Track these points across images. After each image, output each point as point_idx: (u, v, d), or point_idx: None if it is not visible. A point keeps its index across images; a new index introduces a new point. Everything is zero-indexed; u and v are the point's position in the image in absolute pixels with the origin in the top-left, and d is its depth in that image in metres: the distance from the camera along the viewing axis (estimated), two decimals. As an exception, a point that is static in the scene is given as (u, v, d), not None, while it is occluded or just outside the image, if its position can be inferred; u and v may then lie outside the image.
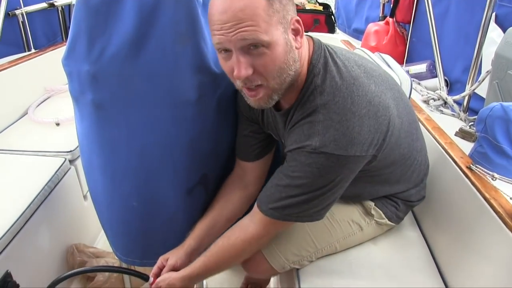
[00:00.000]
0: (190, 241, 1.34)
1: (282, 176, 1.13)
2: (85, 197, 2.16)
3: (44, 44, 3.01)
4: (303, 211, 1.14)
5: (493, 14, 1.76)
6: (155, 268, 1.35)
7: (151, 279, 1.40)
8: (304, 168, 1.08)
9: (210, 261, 1.25)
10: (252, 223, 1.21)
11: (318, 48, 1.11)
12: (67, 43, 1.23)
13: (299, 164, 1.09)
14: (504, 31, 1.70)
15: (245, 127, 1.36)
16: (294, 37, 1.04)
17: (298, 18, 1.04)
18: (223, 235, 1.26)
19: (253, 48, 0.99)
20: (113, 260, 1.92)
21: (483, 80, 1.71)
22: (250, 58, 1.00)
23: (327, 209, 1.18)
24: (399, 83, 1.58)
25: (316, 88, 1.08)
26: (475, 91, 1.81)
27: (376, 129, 1.07)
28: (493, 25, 1.82)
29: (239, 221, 1.27)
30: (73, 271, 1.54)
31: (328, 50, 1.12)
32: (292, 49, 1.04)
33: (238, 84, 1.07)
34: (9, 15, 2.65)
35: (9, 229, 1.52)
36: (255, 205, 1.21)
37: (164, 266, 1.33)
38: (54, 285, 1.41)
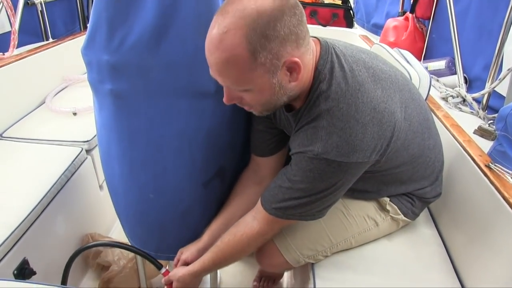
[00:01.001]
0: (205, 238, 1.38)
1: (285, 178, 1.15)
2: (101, 187, 2.17)
3: (62, 33, 3.03)
4: (306, 211, 1.16)
5: (516, 12, 1.73)
6: (175, 260, 1.40)
7: (164, 269, 1.42)
8: (305, 173, 1.09)
9: (218, 256, 1.29)
10: (256, 221, 1.23)
11: (325, 53, 1.09)
12: (87, 32, 1.23)
13: (300, 169, 1.10)
14: (527, 29, 1.67)
15: (259, 122, 1.36)
16: (289, 74, 1.02)
17: (295, 59, 0.98)
18: (229, 232, 1.28)
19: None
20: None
21: (504, 78, 1.69)
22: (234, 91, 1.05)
23: (329, 208, 1.20)
24: (418, 80, 1.56)
25: (321, 94, 1.07)
26: (495, 89, 1.78)
27: (379, 136, 1.06)
28: (516, 23, 1.79)
29: (244, 217, 1.28)
30: (93, 243, 1.57)
31: (336, 54, 1.10)
32: (282, 87, 1.03)
33: None
34: (28, 4, 2.66)
35: (26, 217, 1.54)
36: (259, 202, 1.23)
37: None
38: (75, 256, 1.44)
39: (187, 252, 1.38)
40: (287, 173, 1.15)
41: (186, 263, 1.36)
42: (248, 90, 1.02)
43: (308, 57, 1.04)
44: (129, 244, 1.55)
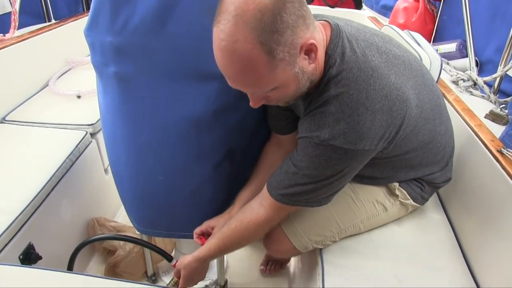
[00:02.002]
0: (235, 211, 1.37)
1: (291, 164, 1.13)
2: (106, 170, 2.16)
3: (65, 14, 2.98)
4: (312, 197, 1.15)
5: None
6: (199, 230, 1.41)
7: (174, 261, 1.41)
8: (311, 159, 1.07)
9: (224, 243, 1.28)
10: (262, 207, 1.22)
11: (336, 37, 1.05)
12: (89, 13, 1.21)
13: (306, 155, 1.08)
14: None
15: (274, 106, 1.33)
16: (307, 57, 0.98)
17: (310, 41, 0.95)
18: (236, 218, 1.27)
19: None
20: (134, 235, 1.92)
21: (517, 61, 1.65)
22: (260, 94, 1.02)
23: (336, 194, 1.19)
24: (428, 63, 1.53)
25: (331, 79, 1.04)
26: (507, 72, 1.74)
27: (388, 124, 1.04)
28: (532, 4, 1.74)
29: (250, 203, 1.27)
30: (99, 236, 1.56)
31: (348, 38, 1.06)
32: (304, 72, 0.99)
33: None
34: (30, -15, 2.63)
35: (31, 202, 1.53)
36: (265, 188, 1.21)
37: (207, 231, 1.40)
38: (80, 248, 1.43)
39: (215, 221, 1.39)
40: (293, 158, 1.13)
41: (210, 232, 1.38)
42: (274, 89, 0.98)
43: (318, 35, 1.01)
44: (135, 228, 1.54)
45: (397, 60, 1.09)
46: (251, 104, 1.04)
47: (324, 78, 1.05)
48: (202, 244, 1.36)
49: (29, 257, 1.51)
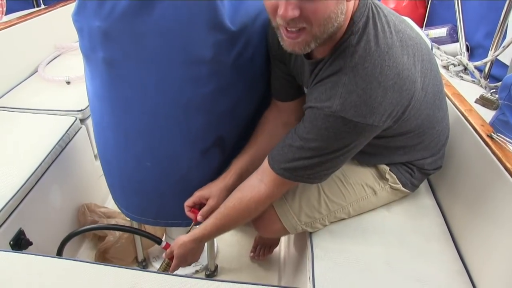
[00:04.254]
0: (231, 178, 1.34)
1: (296, 137, 1.12)
2: (96, 156, 2.15)
3: (53, -1, 2.95)
4: (315, 172, 1.15)
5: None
6: (190, 202, 1.36)
7: (164, 243, 1.41)
8: (320, 131, 1.06)
9: (222, 222, 1.27)
10: (263, 184, 1.21)
11: (363, 5, 1.05)
12: (78, -3, 1.19)
13: (315, 127, 1.07)
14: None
15: (275, 66, 1.33)
16: None
17: None
18: (234, 196, 1.26)
19: None
20: (124, 221, 1.92)
21: (508, 46, 1.65)
22: (300, 0, 0.93)
23: (336, 170, 1.19)
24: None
25: (349, 47, 1.03)
26: (497, 57, 1.74)
27: (397, 102, 1.05)
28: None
29: (248, 180, 1.26)
30: (91, 226, 1.56)
31: (373, 10, 1.06)
32: (341, 1, 0.96)
33: (278, 22, 0.99)
34: (18, -31, 2.59)
35: (21, 187, 1.53)
36: (265, 163, 1.20)
37: (200, 202, 1.36)
38: (67, 240, 1.42)
39: (215, 197, 1.33)
40: (298, 131, 1.12)
41: (202, 203, 1.35)
42: None
43: (350, 2, 1.00)
44: (124, 214, 1.54)
45: (411, 41, 1.09)
46: (281, 12, 0.94)
47: (343, 43, 1.04)
48: (195, 218, 1.35)
49: (20, 243, 1.51)
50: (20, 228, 1.52)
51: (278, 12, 0.95)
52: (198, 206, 1.37)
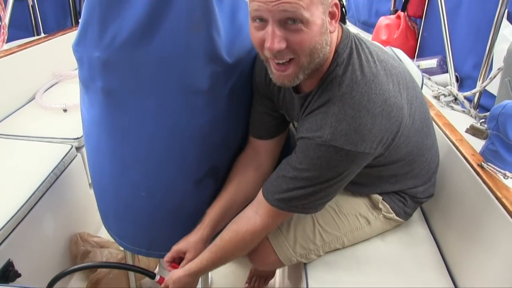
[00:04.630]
0: (205, 229, 1.33)
1: (289, 168, 1.13)
2: (90, 185, 2.13)
3: (53, 28, 3.00)
4: (309, 202, 1.15)
5: (506, 11, 1.74)
6: (169, 257, 1.35)
7: (158, 277, 1.39)
8: (312, 161, 1.08)
9: (218, 255, 1.26)
10: (258, 215, 1.21)
11: (346, 37, 1.10)
12: (78, 28, 1.22)
13: (307, 157, 1.08)
14: (516, 28, 1.68)
15: (259, 103, 1.34)
16: (330, 20, 1.02)
17: (337, 2, 1.01)
18: (230, 229, 1.25)
19: (291, 22, 0.96)
20: (117, 251, 1.91)
21: (494, 77, 1.69)
22: (286, 32, 0.97)
23: (330, 200, 1.19)
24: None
25: (336, 78, 1.06)
26: (486, 88, 1.78)
27: (387, 129, 1.06)
28: (505, 22, 1.79)
29: (243, 212, 1.26)
30: (76, 267, 1.50)
31: (355, 41, 1.10)
32: (326, 31, 1.01)
33: (266, 54, 1.03)
34: (20, -1, 2.64)
35: (12, 217, 1.51)
36: (260, 195, 1.21)
37: (178, 256, 1.34)
38: (55, 281, 1.39)
39: (192, 250, 1.31)
40: (291, 162, 1.13)
41: (181, 257, 1.33)
42: (304, 22, 0.96)
43: (334, 35, 1.06)
44: (117, 242, 1.53)
45: (393, 70, 1.12)
46: (268, 45, 0.98)
47: (330, 74, 1.08)
48: None
49: (7, 275, 1.47)
50: (9, 259, 1.49)
51: (265, 45, 0.99)
52: (178, 260, 1.35)
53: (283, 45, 0.98)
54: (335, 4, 1.01)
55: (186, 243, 1.33)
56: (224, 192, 1.39)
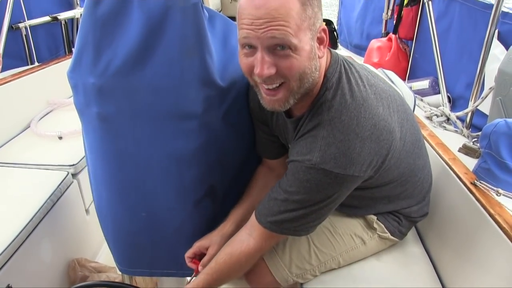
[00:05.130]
0: (230, 226, 1.35)
1: (280, 190, 1.15)
2: (87, 211, 2.15)
3: (47, 57, 3.02)
4: (301, 225, 1.16)
5: (496, 31, 1.77)
6: (190, 253, 1.36)
7: None
8: (302, 184, 1.09)
9: (213, 278, 1.26)
10: (252, 238, 1.22)
11: (335, 62, 1.12)
12: (73, 55, 1.23)
13: (297, 179, 1.10)
14: (507, 48, 1.72)
15: (259, 129, 1.38)
16: (318, 45, 1.04)
17: (325, 27, 1.04)
18: (224, 252, 1.26)
19: (280, 48, 0.98)
20: (115, 275, 1.90)
21: (486, 97, 1.72)
22: (275, 58, 0.99)
23: (321, 222, 1.20)
24: (403, 99, 1.58)
25: (325, 102, 1.08)
26: (478, 107, 1.81)
27: (376, 152, 1.08)
28: (496, 42, 1.83)
29: (237, 234, 1.27)
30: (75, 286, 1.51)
31: (344, 66, 1.12)
32: (315, 56, 1.04)
33: (256, 80, 1.05)
34: (13, 28, 2.66)
35: (11, 243, 1.52)
36: (252, 217, 1.22)
37: (200, 252, 1.35)
38: None
39: (215, 245, 1.33)
40: (282, 184, 1.15)
41: (203, 253, 1.34)
42: (292, 48, 0.98)
43: (323, 60, 1.09)
44: (118, 268, 1.53)
45: (384, 93, 1.14)
46: (258, 71, 1.00)
47: (320, 99, 1.09)
48: (197, 268, 1.33)
49: (7, 300, 1.48)
50: (9, 285, 1.48)
51: (254, 71, 1.01)
52: (199, 256, 1.37)
53: (272, 70, 1.00)
54: (323, 30, 1.04)
55: (209, 239, 1.35)
56: (247, 196, 1.42)
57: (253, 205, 1.34)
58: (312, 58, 1.02)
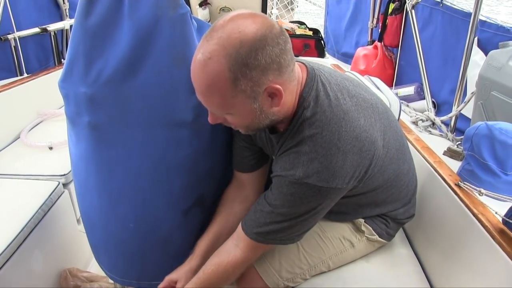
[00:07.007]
0: (196, 260, 1.35)
1: (266, 203, 1.17)
2: (78, 220, 2.15)
3: (36, 68, 3.04)
4: (286, 235, 1.19)
5: (476, 39, 1.82)
6: (161, 287, 1.35)
7: None
8: (286, 197, 1.12)
9: None
10: (238, 248, 1.24)
11: (311, 80, 1.12)
12: (64, 65, 1.25)
13: (281, 193, 1.12)
14: (486, 54, 1.76)
15: (239, 138, 1.38)
16: (271, 99, 1.04)
17: (276, 86, 1.01)
18: (212, 262, 1.27)
19: None
20: (107, 284, 1.91)
21: (468, 101, 1.77)
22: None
23: (308, 231, 1.23)
24: (388, 105, 1.62)
25: (305, 120, 1.10)
26: (461, 111, 1.85)
27: (358, 164, 1.10)
28: (476, 49, 1.88)
29: (224, 245, 1.29)
30: None
31: (322, 81, 1.12)
32: (263, 112, 1.05)
33: None
34: (2, 40, 2.67)
35: (1, 253, 1.52)
36: (239, 228, 1.24)
37: (170, 286, 1.34)
38: None
39: (183, 279, 1.32)
40: (267, 197, 1.17)
41: (173, 287, 1.33)
42: (231, 114, 1.05)
43: (292, 84, 1.07)
44: (107, 275, 1.54)
45: (365, 103, 1.16)
46: (209, 119, 1.11)
47: (298, 119, 1.11)
48: None
49: (-3, 313, 1.47)
50: (-1, 296, 1.50)
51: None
52: None
53: (219, 121, 1.11)
54: (275, 88, 1.01)
55: (177, 273, 1.35)
56: (213, 225, 1.42)
57: (217, 235, 1.38)
58: (257, 116, 1.06)
